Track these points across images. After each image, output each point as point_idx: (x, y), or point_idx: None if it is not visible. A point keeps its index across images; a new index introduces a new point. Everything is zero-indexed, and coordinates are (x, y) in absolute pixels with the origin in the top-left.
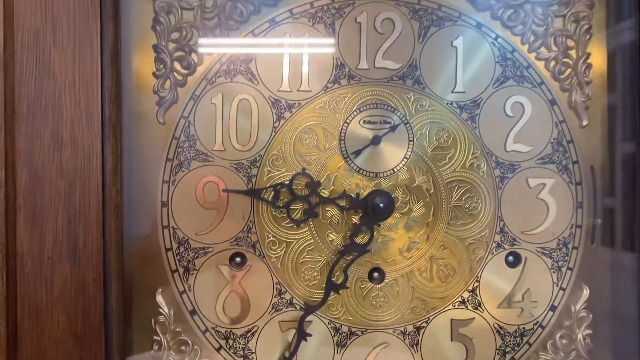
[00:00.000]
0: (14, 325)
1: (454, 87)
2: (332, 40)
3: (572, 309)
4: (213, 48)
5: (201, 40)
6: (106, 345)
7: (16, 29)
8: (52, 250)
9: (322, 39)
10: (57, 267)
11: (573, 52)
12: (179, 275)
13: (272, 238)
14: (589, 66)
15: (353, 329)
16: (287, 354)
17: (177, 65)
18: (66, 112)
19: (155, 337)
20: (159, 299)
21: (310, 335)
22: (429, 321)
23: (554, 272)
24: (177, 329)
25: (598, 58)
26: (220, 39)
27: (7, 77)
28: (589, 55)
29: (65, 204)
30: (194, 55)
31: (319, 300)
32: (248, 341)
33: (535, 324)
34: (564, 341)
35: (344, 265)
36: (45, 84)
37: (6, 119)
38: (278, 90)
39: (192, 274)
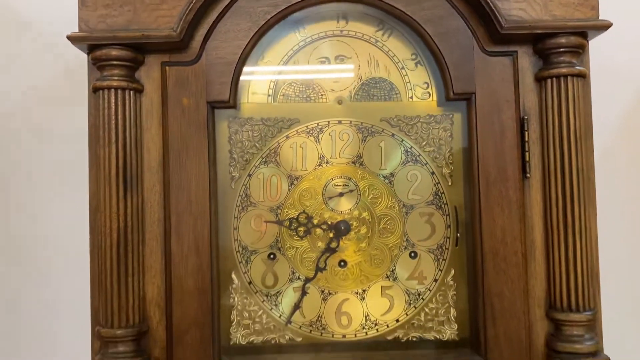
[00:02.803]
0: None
1: (381, 167)
2: (318, 144)
3: (445, 280)
4: (258, 150)
5: (252, 146)
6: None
7: (170, 148)
8: (190, 259)
9: (312, 144)
10: (189, 261)
11: (443, 148)
12: (243, 264)
13: (288, 245)
14: (452, 154)
15: (331, 291)
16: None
17: (240, 160)
18: (194, 189)
19: (230, 296)
20: (233, 276)
21: (308, 293)
22: (369, 287)
23: (435, 261)
24: (242, 292)
25: (456, 151)
26: (260, 146)
27: (165, 174)
28: (451, 148)
29: (195, 242)
30: (249, 154)
31: (312, 275)
32: (277, 296)
33: (427, 288)
34: (439, 297)
35: (325, 258)
36: (184, 178)
37: (165, 189)
38: (291, 170)
39: (249, 263)
